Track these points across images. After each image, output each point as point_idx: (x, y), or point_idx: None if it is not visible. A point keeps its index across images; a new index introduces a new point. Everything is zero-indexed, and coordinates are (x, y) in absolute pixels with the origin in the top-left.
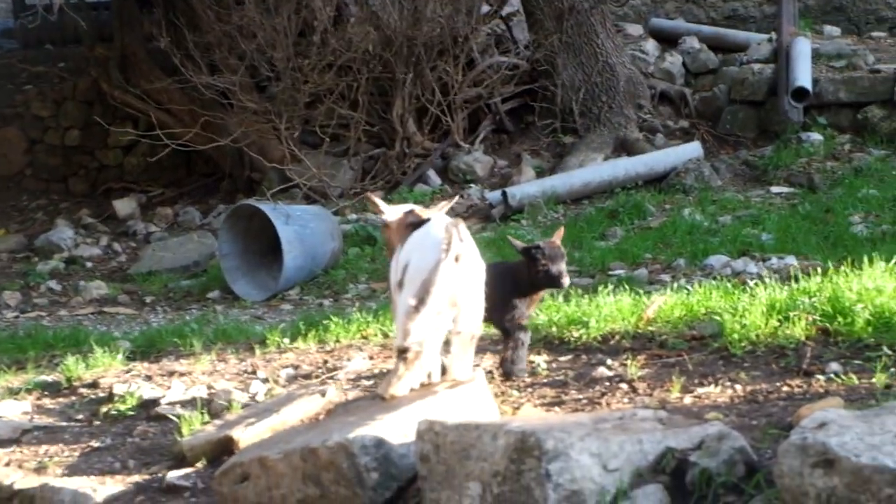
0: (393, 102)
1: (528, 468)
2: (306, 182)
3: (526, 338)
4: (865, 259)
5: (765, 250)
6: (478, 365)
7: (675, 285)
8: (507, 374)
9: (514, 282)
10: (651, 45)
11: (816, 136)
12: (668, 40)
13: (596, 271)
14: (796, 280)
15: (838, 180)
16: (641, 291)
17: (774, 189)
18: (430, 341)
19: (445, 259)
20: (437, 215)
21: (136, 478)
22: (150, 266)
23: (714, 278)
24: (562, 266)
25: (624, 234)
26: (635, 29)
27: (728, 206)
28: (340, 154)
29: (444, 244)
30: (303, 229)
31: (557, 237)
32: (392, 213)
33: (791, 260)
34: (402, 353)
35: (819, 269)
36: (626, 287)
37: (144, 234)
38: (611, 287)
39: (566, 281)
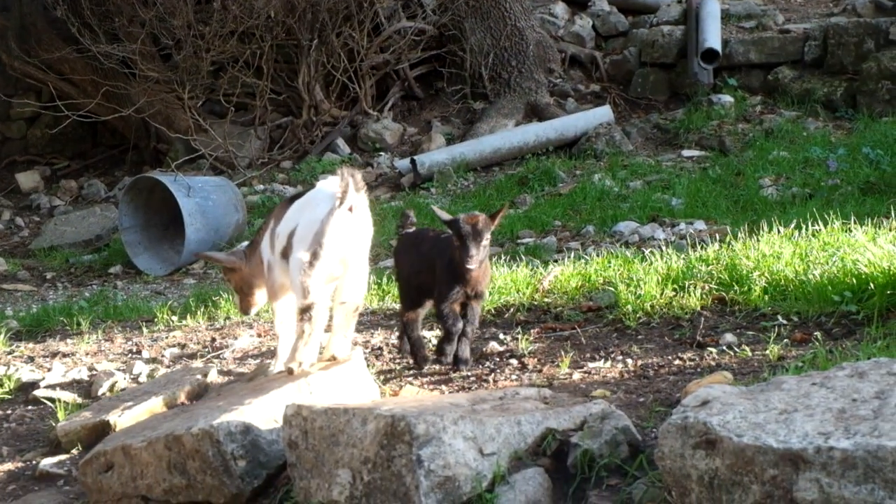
0: (299, 70)
1: (398, 454)
2: (213, 153)
3: (455, 329)
4: (765, 225)
5: (674, 215)
6: (367, 342)
7: (582, 253)
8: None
9: (450, 259)
10: (560, 8)
11: (727, 98)
12: (578, 3)
13: (505, 240)
14: (698, 247)
15: (749, 143)
16: (542, 262)
17: (686, 153)
18: (323, 304)
19: (339, 207)
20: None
21: (9, 465)
22: (52, 241)
23: (625, 245)
24: (471, 246)
25: (533, 202)
26: None
27: (639, 170)
28: (247, 123)
29: (339, 192)
30: (205, 201)
31: (494, 216)
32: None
33: (700, 225)
34: (305, 312)
35: (728, 235)
36: (532, 256)
37: (48, 207)
38: (508, 257)
39: (467, 265)
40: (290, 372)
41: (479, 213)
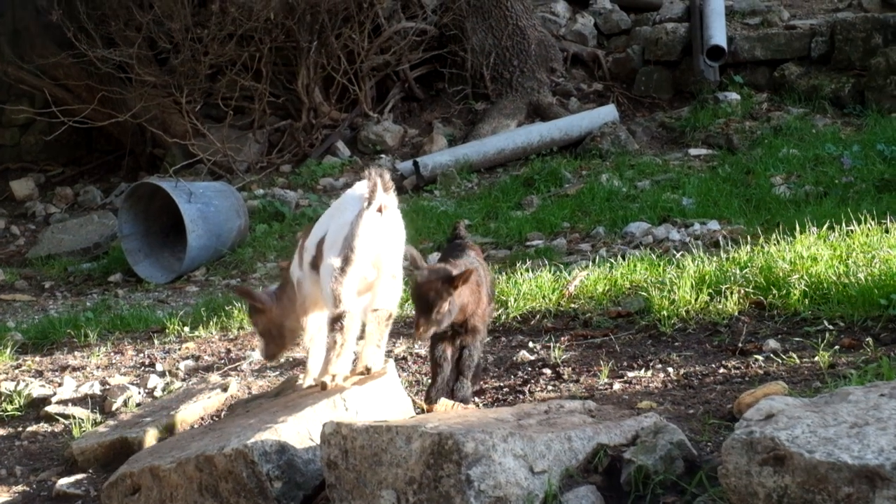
0: (298, 72)
1: (446, 474)
2: (211, 157)
3: (438, 372)
4: (797, 225)
5: (686, 215)
6: (390, 352)
7: (596, 255)
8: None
9: None
10: (561, 7)
11: (733, 96)
12: (579, 1)
13: (513, 242)
14: (720, 247)
15: (757, 140)
16: (561, 265)
17: (693, 151)
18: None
19: (368, 208)
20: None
21: (24, 486)
22: (50, 249)
23: (636, 247)
24: (420, 317)
25: (540, 203)
26: None
27: (646, 170)
28: (245, 127)
29: (367, 193)
30: (206, 207)
31: (454, 280)
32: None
33: (714, 225)
34: (337, 321)
35: (746, 236)
36: (543, 258)
37: (44, 215)
38: (529, 262)
39: (415, 334)
40: (322, 386)
41: (439, 271)
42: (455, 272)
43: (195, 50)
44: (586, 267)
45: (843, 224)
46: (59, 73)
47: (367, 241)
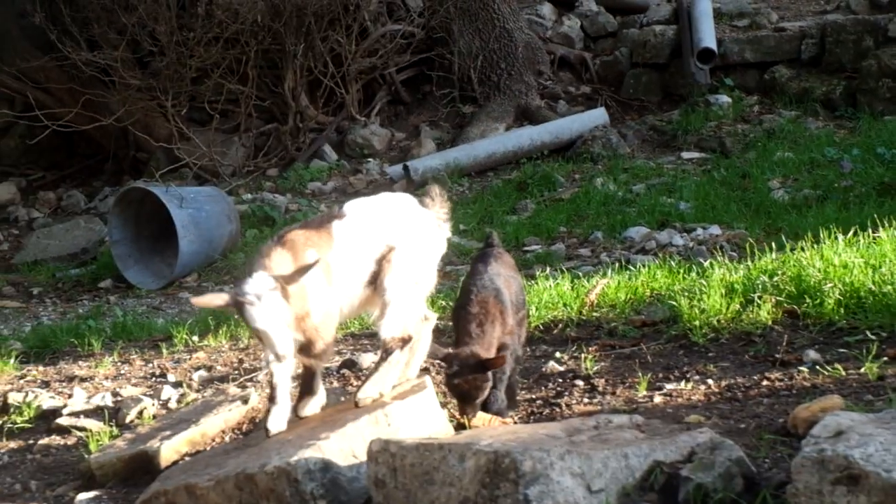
0: (284, 75)
1: (502, 493)
2: (196, 161)
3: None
4: (822, 233)
5: (685, 220)
6: (427, 368)
7: (597, 260)
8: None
9: None
10: (547, 9)
11: (724, 99)
12: (565, 3)
13: (510, 248)
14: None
15: (750, 143)
16: (578, 273)
17: (685, 154)
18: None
19: (441, 230)
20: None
21: (40, 502)
22: (36, 254)
23: (638, 252)
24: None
25: (535, 207)
26: None
27: (640, 173)
28: (231, 131)
29: (439, 211)
30: (198, 212)
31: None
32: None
33: (715, 230)
34: (406, 343)
35: (748, 241)
36: (545, 264)
37: (27, 220)
38: (547, 270)
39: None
40: (357, 405)
41: (469, 363)
42: (485, 357)
43: (180, 53)
44: (604, 274)
45: (857, 229)
46: (41, 76)
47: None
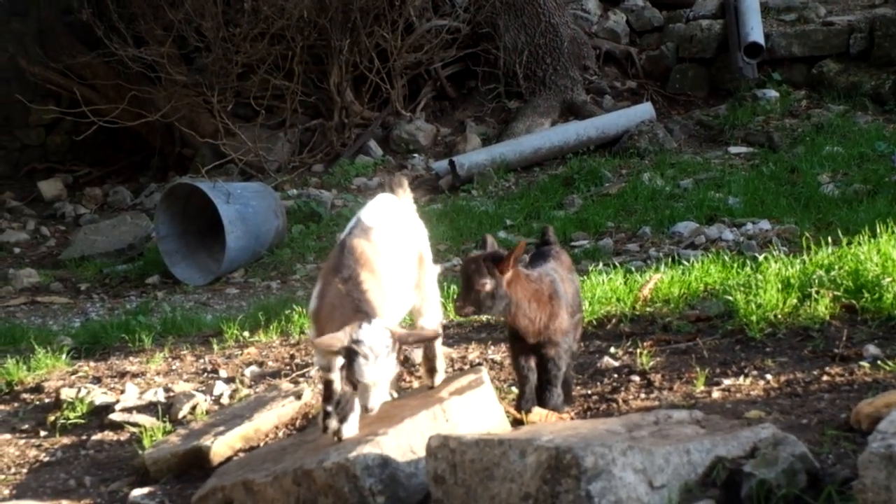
0: (329, 71)
1: (564, 489)
2: (241, 157)
3: (523, 383)
4: (878, 227)
5: (734, 214)
6: (480, 364)
7: (645, 255)
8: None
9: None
10: (593, 4)
11: (772, 93)
12: None
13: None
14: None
15: (799, 138)
16: (630, 268)
17: (733, 149)
18: None
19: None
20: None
21: (95, 497)
22: (83, 250)
23: (687, 247)
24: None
25: (582, 202)
26: None
27: (688, 168)
28: (276, 126)
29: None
30: (245, 208)
31: None
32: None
33: (765, 224)
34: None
35: (799, 235)
36: (591, 259)
37: (73, 216)
38: (601, 265)
39: None
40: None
41: (488, 252)
42: (504, 254)
43: (226, 49)
44: (657, 269)
45: None
46: (87, 72)
47: None
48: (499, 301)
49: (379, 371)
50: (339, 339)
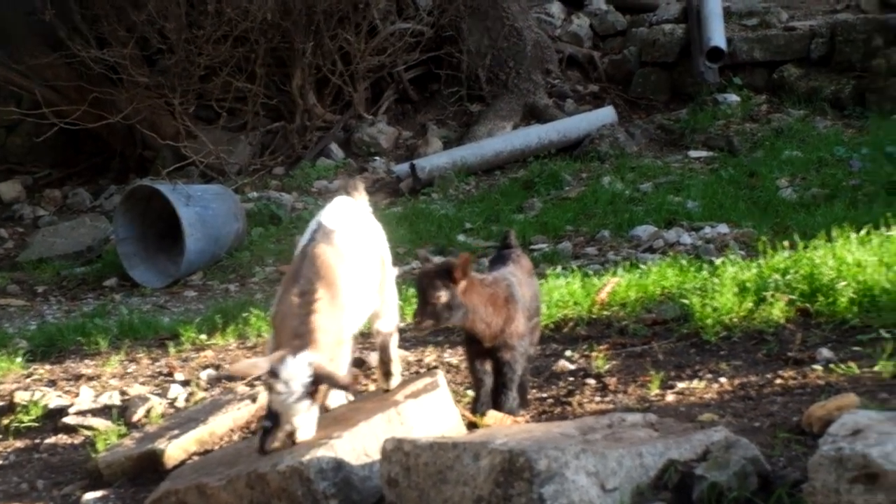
0: (292, 74)
1: (517, 492)
2: (202, 159)
3: (478, 386)
4: (833, 231)
5: (692, 218)
6: (436, 367)
7: (604, 259)
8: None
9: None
10: (557, 8)
11: (733, 98)
12: (574, 2)
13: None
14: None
15: (758, 142)
16: (588, 272)
17: (693, 153)
18: None
19: None
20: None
21: (47, 501)
22: (41, 252)
23: (645, 250)
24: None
25: (542, 206)
26: None
27: (647, 172)
28: (237, 129)
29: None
30: (204, 210)
31: None
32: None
33: (723, 228)
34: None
35: (757, 239)
36: (552, 263)
37: (32, 218)
38: (559, 268)
39: None
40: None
41: (440, 264)
42: (455, 265)
43: (189, 51)
44: (615, 272)
45: (870, 228)
46: (49, 73)
47: None
48: (456, 311)
49: (290, 408)
50: (260, 366)
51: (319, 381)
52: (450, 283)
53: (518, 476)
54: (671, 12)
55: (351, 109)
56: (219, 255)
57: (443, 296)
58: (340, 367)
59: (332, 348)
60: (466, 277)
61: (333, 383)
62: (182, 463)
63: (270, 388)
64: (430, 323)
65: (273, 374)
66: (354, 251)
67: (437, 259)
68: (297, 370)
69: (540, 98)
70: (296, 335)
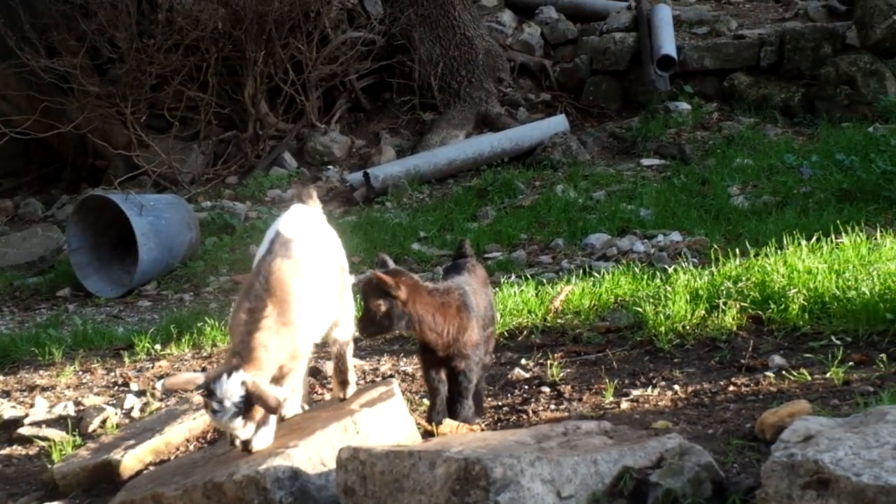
0: (244, 83)
1: (473, 500)
2: (155, 169)
3: (434, 394)
4: (784, 239)
5: (645, 226)
6: (392, 376)
7: (557, 267)
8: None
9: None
10: (508, 17)
11: (684, 106)
12: (525, 11)
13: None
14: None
15: (710, 150)
16: (542, 280)
17: (645, 161)
18: None
19: None
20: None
21: None
22: None
23: (599, 259)
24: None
25: (496, 214)
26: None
27: (600, 180)
28: (190, 138)
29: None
30: (158, 220)
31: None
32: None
33: (676, 236)
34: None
35: (709, 247)
36: (506, 272)
37: None
38: (512, 277)
39: None
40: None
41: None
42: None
43: (140, 60)
44: (569, 281)
45: (819, 235)
46: None
47: None
48: (397, 319)
49: (224, 426)
50: (196, 382)
51: (252, 402)
52: (388, 292)
53: (474, 484)
54: (622, 21)
55: (303, 118)
56: (173, 265)
57: (382, 304)
58: (295, 380)
59: (286, 363)
60: (407, 286)
61: (264, 405)
62: (138, 473)
63: (205, 406)
64: (371, 329)
65: (208, 391)
66: (313, 260)
67: (392, 264)
68: (230, 389)
69: (492, 106)
70: (234, 353)
